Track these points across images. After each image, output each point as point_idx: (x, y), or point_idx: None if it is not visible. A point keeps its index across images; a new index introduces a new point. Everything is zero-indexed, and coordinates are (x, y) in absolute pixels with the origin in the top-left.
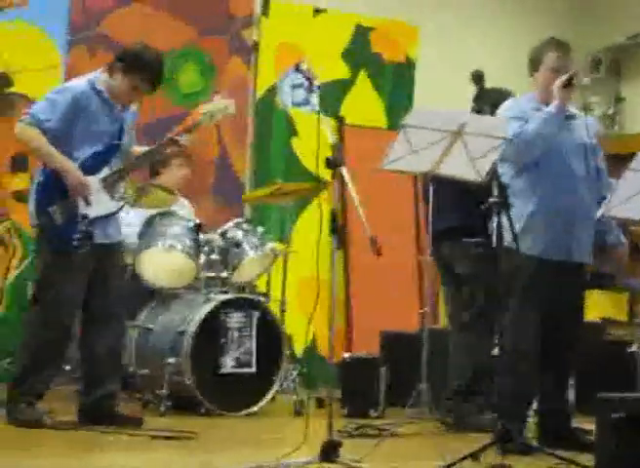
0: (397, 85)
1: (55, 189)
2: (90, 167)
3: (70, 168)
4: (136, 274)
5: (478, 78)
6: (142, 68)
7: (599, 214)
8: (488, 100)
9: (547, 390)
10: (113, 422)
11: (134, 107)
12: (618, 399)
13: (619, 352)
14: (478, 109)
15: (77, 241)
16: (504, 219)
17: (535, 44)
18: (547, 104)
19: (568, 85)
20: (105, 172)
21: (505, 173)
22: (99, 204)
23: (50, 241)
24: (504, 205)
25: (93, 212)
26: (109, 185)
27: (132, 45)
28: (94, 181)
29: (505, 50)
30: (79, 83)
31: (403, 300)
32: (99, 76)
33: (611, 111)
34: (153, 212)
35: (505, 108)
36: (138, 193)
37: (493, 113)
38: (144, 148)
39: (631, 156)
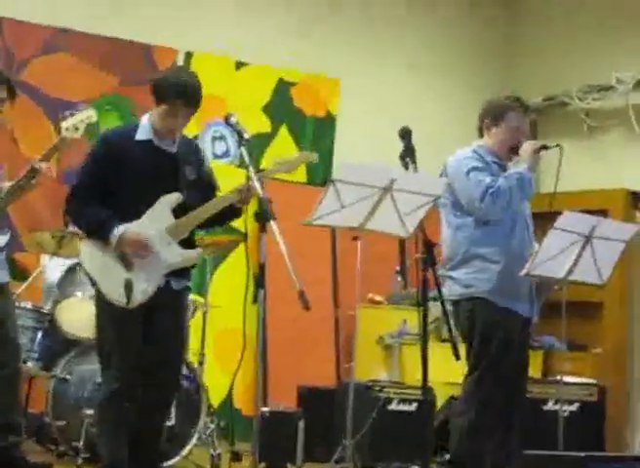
0: (317, 139)
1: None
2: None
3: None
4: (54, 323)
5: (405, 134)
6: None
7: (522, 272)
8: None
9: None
10: None
11: None
12: (546, 456)
13: (534, 409)
14: (405, 165)
15: None
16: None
17: (464, 101)
18: (503, 159)
19: (538, 151)
20: None
21: (464, 224)
22: None
23: None
24: (430, 260)
25: None
26: None
27: None
28: None
29: (426, 107)
30: None
31: (319, 355)
32: None
33: None
34: (74, 261)
35: (466, 156)
36: (58, 242)
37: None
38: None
39: (547, 215)
